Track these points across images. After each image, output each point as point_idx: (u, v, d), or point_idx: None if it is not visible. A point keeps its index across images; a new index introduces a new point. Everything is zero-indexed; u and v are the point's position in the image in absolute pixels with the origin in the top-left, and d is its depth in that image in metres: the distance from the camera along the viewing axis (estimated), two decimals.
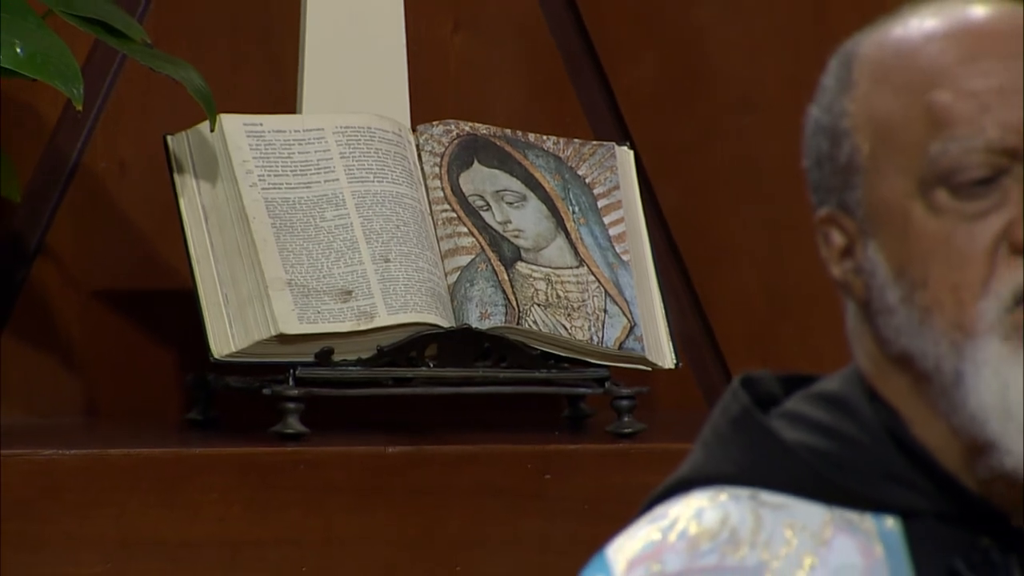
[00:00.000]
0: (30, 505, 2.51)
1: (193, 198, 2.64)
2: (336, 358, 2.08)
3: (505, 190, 2.57)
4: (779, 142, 2.70)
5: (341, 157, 2.83)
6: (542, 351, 2.30)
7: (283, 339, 2.50)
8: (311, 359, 2.28)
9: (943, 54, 1.05)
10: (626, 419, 2.28)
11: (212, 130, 2.60)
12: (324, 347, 2.14)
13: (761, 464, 1.11)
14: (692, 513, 1.10)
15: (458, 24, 2.87)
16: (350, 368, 2.27)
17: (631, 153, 2.56)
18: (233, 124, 2.69)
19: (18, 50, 2.23)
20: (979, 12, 1.08)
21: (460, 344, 2.27)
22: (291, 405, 2.33)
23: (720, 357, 2.73)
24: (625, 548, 1.11)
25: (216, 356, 2.52)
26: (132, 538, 2.32)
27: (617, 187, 2.52)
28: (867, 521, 1.07)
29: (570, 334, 2.32)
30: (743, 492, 1.09)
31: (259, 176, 2.74)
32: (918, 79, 1.05)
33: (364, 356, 2.27)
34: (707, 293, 2.76)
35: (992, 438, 1.03)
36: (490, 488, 2.30)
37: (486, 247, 2.48)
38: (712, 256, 2.85)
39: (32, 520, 2.44)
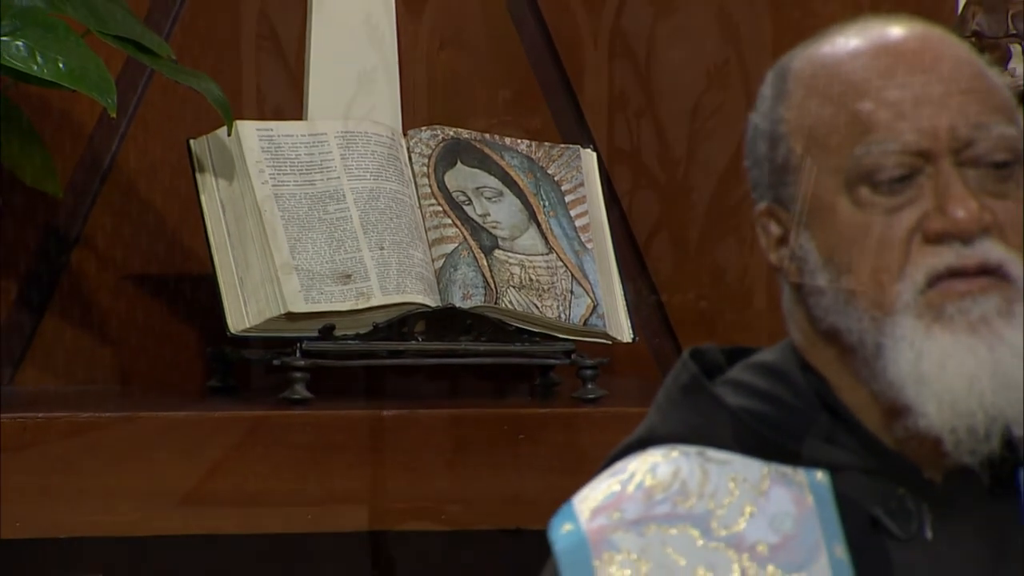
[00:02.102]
0: (72, 461, 2.50)
1: (212, 194, 2.63)
2: (337, 333, 2.07)
3: (484, 187, 2.56)
4: (724, 145, 2.70)
5: (341, 158, 2.82)
6: (517, 327, 2.29)
7: (291, 317, 2.49)
8: (315, 334, 2.27)
9: (866, 69, 1.05)
10: (590, 386, 2.27)
11: (229, 135, 2.58)
12: (327, 324, 2.13)
13: (708, 425, 1.11)
14: (648, 468, 1.09)
15: (444, 42, 2.86)
16: (349, 342, 2.26)
17: (594, 155, 2.56)
18: (247, 129, 2.67)
19: (60, 65, 2.22)
20: (897, 32, 1.07)
21: (445, 321, 2.26)
22: (298, 374, 2.32)
23: (672, 332, 2.72)
24: (589, 499, 1.11)
25: (233, 331, 2.51)
26: (160, 490, 2.31)
27: (582, 184, 2.51)
28: (799, 475, 1.07)
29: (541, 312, 2.31)
30: (692, 449, 1.09)
31: (270, 175, 2.73)
32: (845, 90, 1.05)
33: (362, 331, 2.26)
34: (660, 276, 2.75)
35: (908, 402, 1.03)
36: (472, 446, 2.29)
37: (468, 236, 2.47)
38: (665, 244, 2.85)
39: (74, 473, 2.43)
